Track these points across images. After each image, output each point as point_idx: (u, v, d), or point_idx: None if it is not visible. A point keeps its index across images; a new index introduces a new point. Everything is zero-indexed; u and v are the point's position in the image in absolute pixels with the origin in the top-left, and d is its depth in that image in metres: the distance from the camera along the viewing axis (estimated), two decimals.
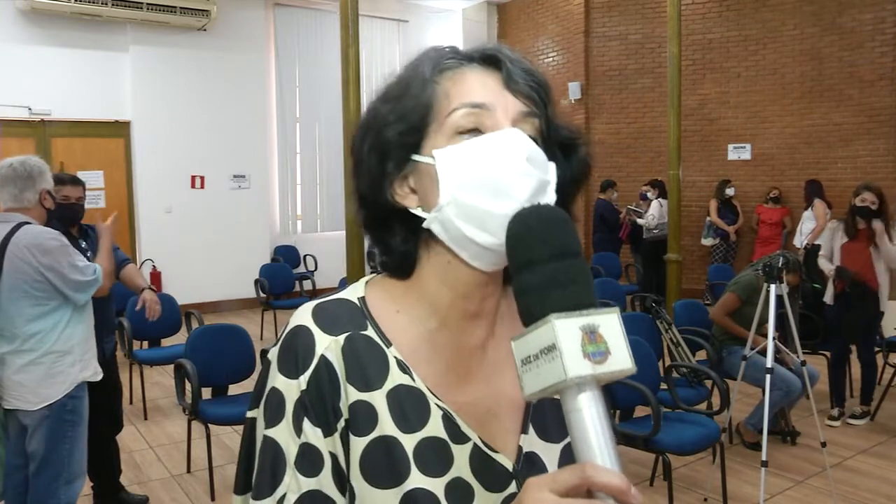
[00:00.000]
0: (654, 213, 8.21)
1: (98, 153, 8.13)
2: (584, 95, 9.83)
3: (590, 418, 0.55)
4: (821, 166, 8.24)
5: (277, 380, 0.72)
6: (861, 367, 4.70)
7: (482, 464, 0.73)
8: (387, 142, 0.73)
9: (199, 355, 3.70)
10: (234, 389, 3.84)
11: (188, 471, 3.94)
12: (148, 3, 7.74)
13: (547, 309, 0.56)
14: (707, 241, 8.65)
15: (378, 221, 0.77)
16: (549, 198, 0.70)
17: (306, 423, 0.70)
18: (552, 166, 0.72)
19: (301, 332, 0.73)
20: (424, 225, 0.72)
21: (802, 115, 8.43)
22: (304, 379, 0.71)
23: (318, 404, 0.70)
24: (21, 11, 7.51)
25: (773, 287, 3.39)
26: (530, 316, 0.57)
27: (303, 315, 0.74)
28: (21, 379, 2.64)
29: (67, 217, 3.25)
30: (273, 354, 0.74)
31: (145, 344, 5.02)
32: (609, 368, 0.54)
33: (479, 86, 0.72)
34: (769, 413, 4.09)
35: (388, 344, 0.74)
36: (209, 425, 3.60)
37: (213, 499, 3.60)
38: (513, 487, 0.74)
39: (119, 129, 8.26)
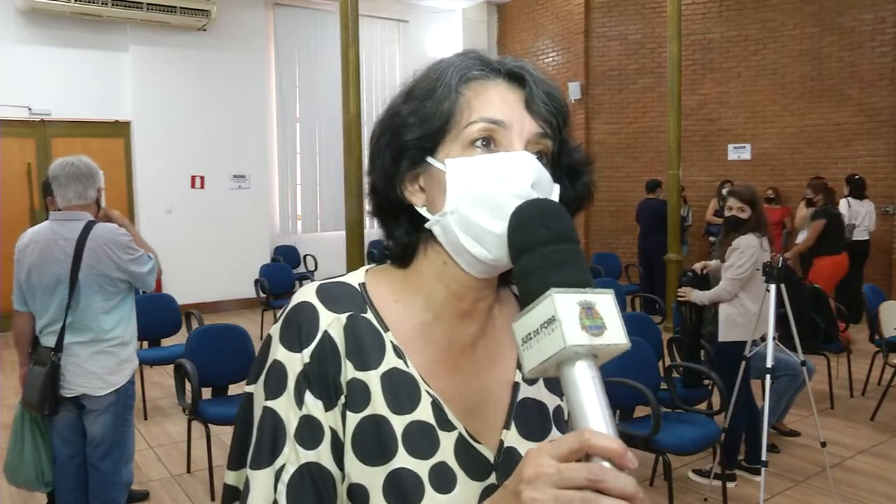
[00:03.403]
0: (845, 211, 7.31)
1: (98, 153, 8.03)
2: (584, 95, 9.83)
3: (586, 388, 0.57)
4: (821, 166, 8.24)
5: (280, 352, 0.73)
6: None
7: (466, 452, 0.75)
8: (404, 143, 0.75)
9: (199, 355, 3.70)
10: (234, 389, 3.84)
11: (188, 471, 3.94)
12: (148, 3, 7.74)
13: (546, 286, 0.59)
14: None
15: (386, 210, 0.80)
16: None
17: (308, 396, 0.71)
18: (556, 188, 0.75)
19: (305, 308, 0.75)
20: (427, 226, 0.75)
21: (802, 115, 8.44)
22: (307, 353, 0.72)
23: (321, 378, 0.72)
24: (21, 11, 7.51)
25: (772, 287, 3.38)
26: (531, 294, 0.60)
27: (307, 292, 0.76)
28: (93, 367, 2.81)
29: None
30: (275, 329, 0.75)
31: (145, 344, 5.02)
32: (606, 341, 0.57)
33: (500, 101, 0.74)
34: (781, 402, 4.11)
35: (386, 329, 0.76)
36: (209, 425, 3.60)
37: (212, 499, 3.60)
38: (492, 479, 0.76)
39: (119, 129, 8.26)
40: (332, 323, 0.74)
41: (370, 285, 0.79)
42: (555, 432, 0.83)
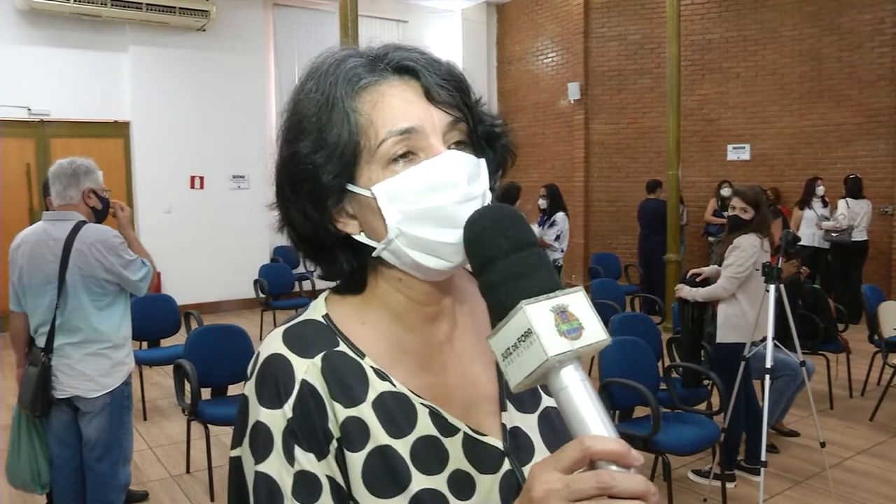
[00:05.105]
0: (844, 212, 7.39)
1: (97, 154, 7.99)
2: (584, 96, 9.83)
3: (577, 393, 0.56)
4: (820, 166, 8.24)
5: (261, 413, 0.70)
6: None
7: (475, 450, 0.74)
8: (323, 186, 0.70)
9: (199, 356, 3.70)
10: (233, 390, 3.84)
11: (187, 471, 3.94)
12: (147, 4, 7.74)
13: (516, 298, 0.57)
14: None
15: (318, 250, 0.76)
16: (487, 201, 0.71)
17: (298, 451, 0.68)
18: (483, 166, 0.73)
19: (277, 361, 0.71)
20: (375, 254, 0.72)
21: (802, 116, 8.44)
22: (288, 407, 0.69)
23: (307, 429, 0.69)
24: (20, 11, 7.51)
25: (772, 287, 3.38)
26: (502, 309, 0.59)
27: (274, 343, 0.73)
28: (85, 369, 2.79)
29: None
30: (250, 388, 0.72)
31: (144, 344, 5.02)
32: (586, 342, 0.57)
33: (401, 105, 0.70)
34: (781, 403, 4.12)
35: (362, 356, 0.73)
36: (208, 426, 3.60)
37: (212, 499, 3.59)
38: (506, 465, 0.75)
39: (118, 130, 8.26)
40: (307, 370, 0.70)
41: (334, 314, 0.76)
42: (545, 399, 0.82)
